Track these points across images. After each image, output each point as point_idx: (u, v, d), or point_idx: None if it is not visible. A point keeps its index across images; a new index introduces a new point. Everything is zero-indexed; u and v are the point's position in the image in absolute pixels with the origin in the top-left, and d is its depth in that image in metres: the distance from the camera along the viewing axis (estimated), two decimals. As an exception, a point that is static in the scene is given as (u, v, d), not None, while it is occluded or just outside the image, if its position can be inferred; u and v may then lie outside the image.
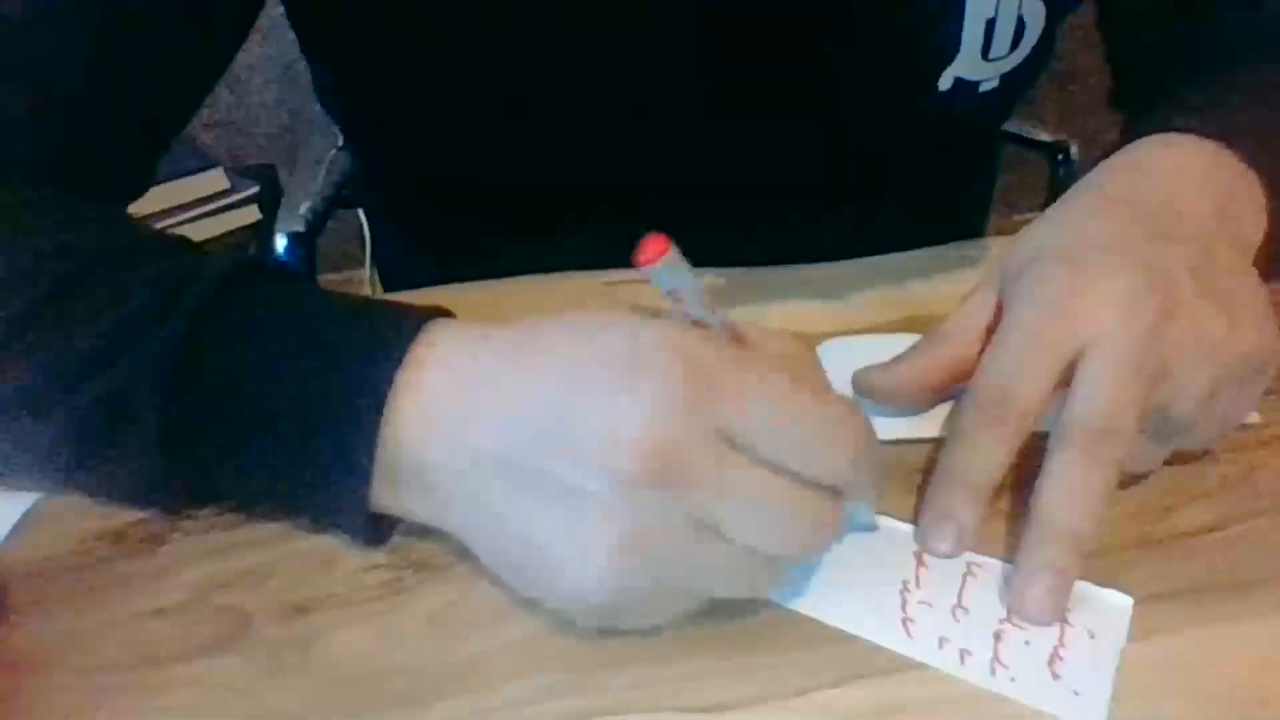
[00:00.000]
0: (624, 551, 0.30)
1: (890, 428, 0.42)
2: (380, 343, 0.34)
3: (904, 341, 0.42)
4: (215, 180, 1.33)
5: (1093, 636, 0.33)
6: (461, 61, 0.52)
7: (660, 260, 0.30)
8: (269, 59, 1.58)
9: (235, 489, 0.37)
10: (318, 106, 0.63)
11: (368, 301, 0.37)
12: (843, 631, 0.34)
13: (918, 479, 0.39)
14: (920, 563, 0.36)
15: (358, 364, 0.33)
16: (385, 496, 0.34)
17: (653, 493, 0.29)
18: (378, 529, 0.36)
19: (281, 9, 0.55)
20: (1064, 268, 0.38)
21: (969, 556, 0.36)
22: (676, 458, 0.29)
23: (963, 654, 0.33)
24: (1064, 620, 0.34)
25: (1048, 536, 0.34)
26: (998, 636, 0.34)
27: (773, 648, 0.33)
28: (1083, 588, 0.35)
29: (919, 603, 0.35)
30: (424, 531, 0.35)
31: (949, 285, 0.51)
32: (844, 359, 0.45)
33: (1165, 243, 0.38)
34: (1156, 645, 0.33)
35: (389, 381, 0.33)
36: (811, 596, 0.35)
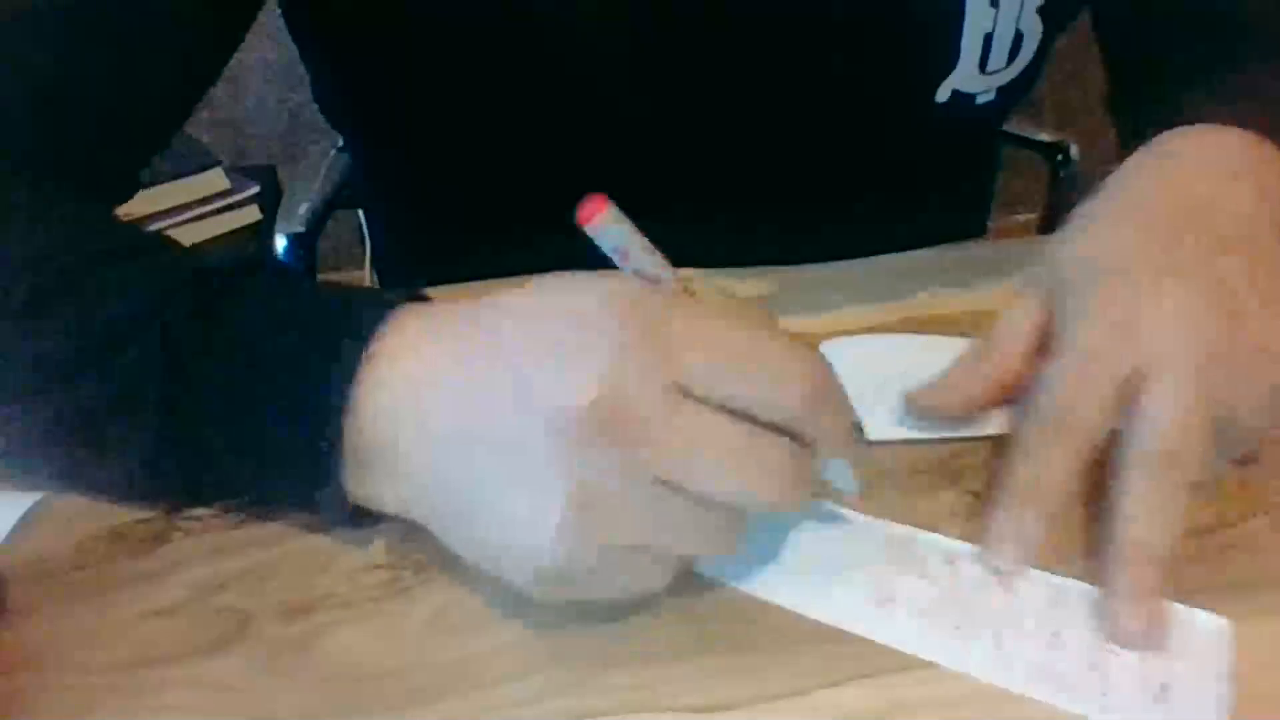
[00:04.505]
0: (576, 508, 0.30)
1: (894, 428, 0.42)
2: (349, 335, 0.34)
3: (904, 341, 0.42)
4: (215, 180, 1.32)
5: (1196, 661, 0.32)
6: (454, 66, 0.52)
7: (597, 219, 0.30)
8: (269, 59, 1.58)
9: (223, 486, 0.38)
10: (318, 106, 0.63)
11: (341, 293, 0.37)
12: (842, 631, 0.34)
13: (919, 480, 0.39)
14: (1006, 589, 0.35)
15: (327, 359, 0.34)
16: (358, 488, 0.34)
17: (605, 448, 0.29)
18: (361, 523, 0.36)
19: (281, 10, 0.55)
20: (1123, 286, 0.38)
21: (1059, 581, 0.35)
22: (627, 412, 0.29)
23: (1061, 683, 0.32)
24: (1164, 646, 0.33)
25: (1139, 560, 0.34)
26: (1097, 665, 0.32)
27: (773, 648, 0.33)
28: (1177, 610, 0.34)
29: (1009, 631, 0.33)
30: (423, 531, 0.35)
31: (949, 285, 0.51)
32: (844, 359, 0.45)
33: (1220, 253, 0.38)
34: (1157, 645, 0.33)
35: (354, 374, 0.33)
36: (903, 630, 0.34)
